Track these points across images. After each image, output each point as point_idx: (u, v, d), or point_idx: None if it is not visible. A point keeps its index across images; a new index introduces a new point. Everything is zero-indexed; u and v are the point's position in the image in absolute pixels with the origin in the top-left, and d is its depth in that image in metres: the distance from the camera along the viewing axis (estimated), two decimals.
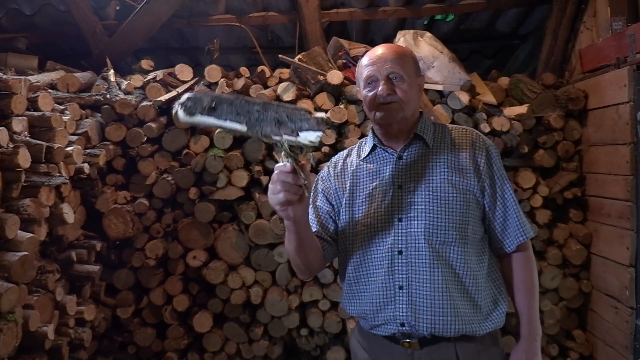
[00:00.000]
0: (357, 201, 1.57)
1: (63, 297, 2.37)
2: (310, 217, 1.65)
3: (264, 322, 2.97)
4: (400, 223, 1.48)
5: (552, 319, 2.91)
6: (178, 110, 1.16)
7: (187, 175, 2.86)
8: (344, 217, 1.60)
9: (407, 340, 1.46)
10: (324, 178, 1.69)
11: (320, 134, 1.15)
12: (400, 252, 1.46)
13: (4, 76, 2.23)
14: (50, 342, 2.15)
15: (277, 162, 3.11)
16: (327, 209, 1.63)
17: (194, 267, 2.92)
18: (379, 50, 1.56)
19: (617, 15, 2.78)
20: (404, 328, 1.45)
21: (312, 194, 1.69)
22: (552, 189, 2.91)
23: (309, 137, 1.14)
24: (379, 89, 1.50)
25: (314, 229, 1.63)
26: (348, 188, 1.60)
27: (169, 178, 2.86)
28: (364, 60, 1.56)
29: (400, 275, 1.46)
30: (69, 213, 2.37)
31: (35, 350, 2.10)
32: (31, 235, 2.06)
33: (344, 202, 1.60)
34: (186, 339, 3.00)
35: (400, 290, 1.45)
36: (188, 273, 2.99)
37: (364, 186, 1.58)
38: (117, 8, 3.49)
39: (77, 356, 2.48)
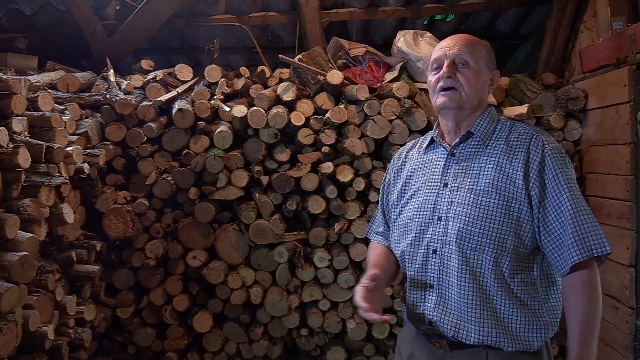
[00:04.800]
0: (407, 194, 1.58)
1: (63, 297, 2.37)
2: (378, 215, 1.76)
3: (264, 322, 2.97)
4: (439, 222, 1.45)
5: None
6: None
7: (187, 175, 2.86)
8: (394, 209, 1.61)
9: (438, 340, 1.45)
10: (388, 171, 1.72)
11: None
12: (434, 252, 1.45)
13: (4, 76, 2.22)
14: (50, 342, 2.15)
15: (277, 161, 3.10)
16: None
17: (194, 267, 2.92)
18: (453, 37, 1.51)
19: (617, 15, 2.77)
20: (432, 327, 1.45)
21: (380, 190, 1.74)
22: None
23: None
24: (442, 71, 1.45)
25: (381, 229, 1.73)
26: (403, 181, 1.62)
27: (169, 178, 2.86)
28: (436, 47, 1.52)
29: (432, 275, 1.46)
30: (68, 213, 2.37)
31: (35, 350, 2.10)
32: (31, 235, 2.06)
33: (395, 195, 1.63)
34: (186, 339, 3.00)
35: (431, 290, 1.46)
36: (188, 273, 2.99)
37: (416, 180, 1.58)
38: (117, 8, 3.48)
39: (77, 356, 2.48)
